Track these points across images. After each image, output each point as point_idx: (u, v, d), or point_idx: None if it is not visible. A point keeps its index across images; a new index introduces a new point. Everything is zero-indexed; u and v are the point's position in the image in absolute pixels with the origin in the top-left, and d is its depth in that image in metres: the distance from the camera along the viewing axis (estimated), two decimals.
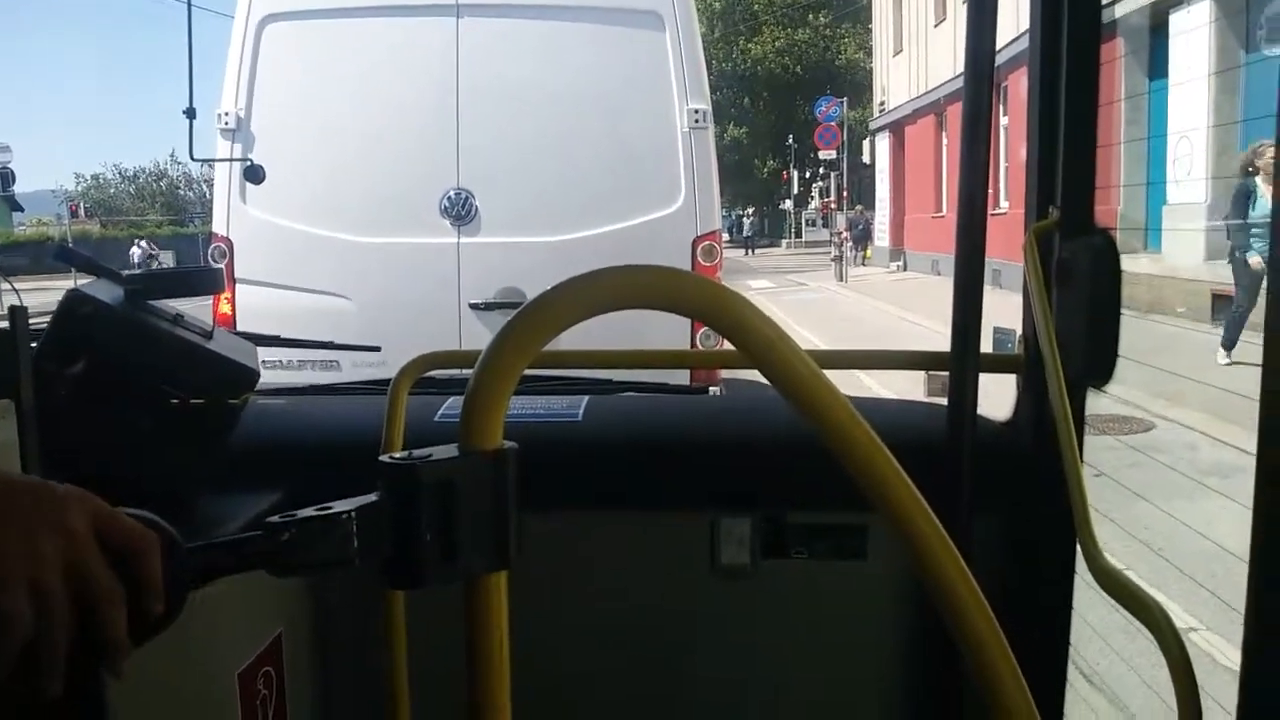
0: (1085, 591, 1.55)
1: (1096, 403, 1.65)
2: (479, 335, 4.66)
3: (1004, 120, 16.97)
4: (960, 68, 1.61)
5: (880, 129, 31.11)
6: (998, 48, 1.60)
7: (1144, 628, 1.11)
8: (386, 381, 1.64)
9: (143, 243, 36.31)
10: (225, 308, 4.78)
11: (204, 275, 1.54)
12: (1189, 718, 1.02)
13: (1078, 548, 1.40)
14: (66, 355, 1.34)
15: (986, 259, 1.64)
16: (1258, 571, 0.90)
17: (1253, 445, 0.91)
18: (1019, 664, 0.62)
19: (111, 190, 59.11)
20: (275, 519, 0.70)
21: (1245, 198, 9.07)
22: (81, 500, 0.74)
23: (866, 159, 34.09)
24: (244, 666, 1.50)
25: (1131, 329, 1.55)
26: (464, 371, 1.77)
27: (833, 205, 34.95)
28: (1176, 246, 12.42)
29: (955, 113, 20.57)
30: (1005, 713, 0.62)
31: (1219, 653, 3.58)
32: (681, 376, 4.40)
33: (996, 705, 0.62)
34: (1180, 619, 3.49)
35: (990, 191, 1.66)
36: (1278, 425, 0.89)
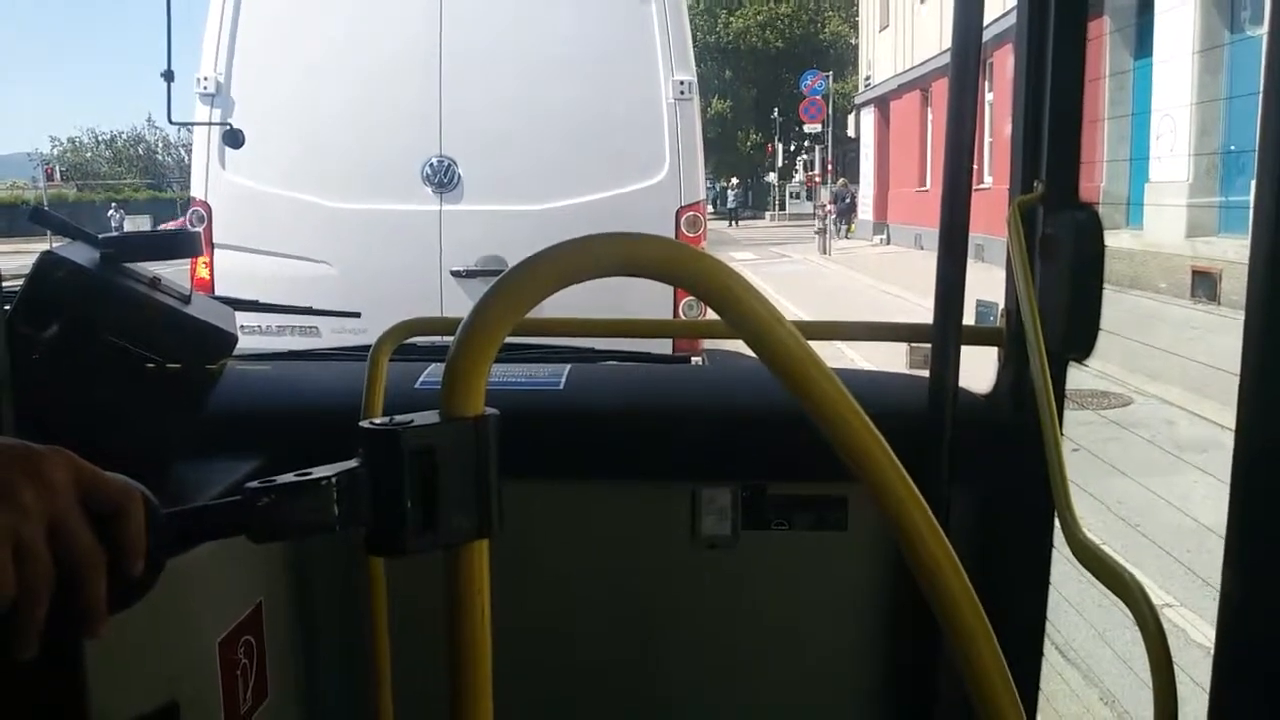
0: (1061, 564, 1.56)
1: (1076, 377, 1.65)
2: (460, 303, 4.64)
3: (989, 96, 16.97)
4: (946, 43, 1.61)
5: (865, 103, 31.05)
6: (984, 24, 1.59)
7: (1120, 602, 1.12)
8: (367, 348, 1.63)
9: (114, 209, 36.01)
10: (203, 272, 4.74)
11: (181, 239, 1.52)
12: (1163, 692, 1.03)
13: (1055, 521, 1.41)
14: (41, 318, 1.32)
15: (969, 234, 1.64)
16: (1234, 548, 0.91)
17: (1230, 420, 0.92)
18: (996, 635, 0.62)
19: (88, 154, 58.52)
20: (254, 484, 0.69)
21: None
22: (64, 458, 0.73)
23: (851, 133, 34.05)
24: (224, 635, 1.49)
25: (1112, 304, 1.55)
26: (445, 338, 1.76)
27: (817, 179, 34.94)
28: (1158, 223, 12.49)
29: (941, 88, 20.57)
30: (982, 684, 0.62)
31: (1193, 628, 3.62)
32: (664, 346, 4.40)
33: (974, 676, 0.62)
34: (1155, 594, 3.54)
35: (974, 167, 1.66)
36: (1257, 401, 0.89)
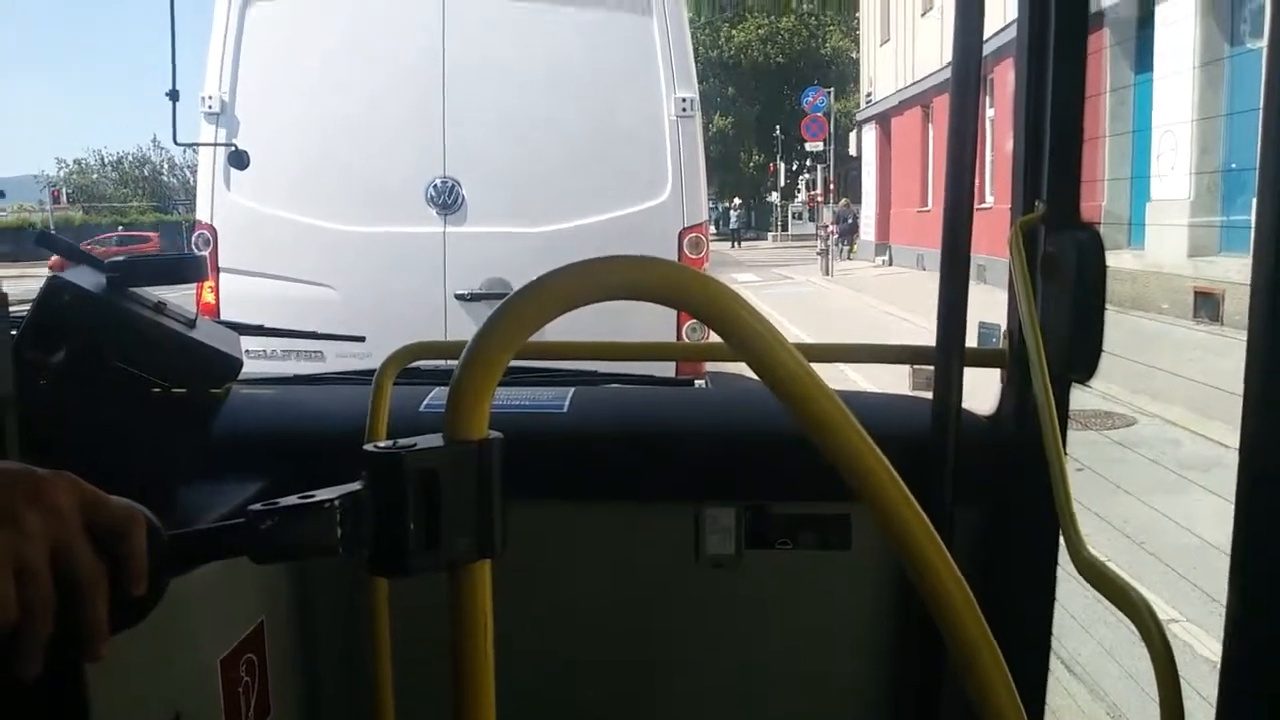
0: (1067, 582, 1.56)
1: (1079, 398, 1.65)
2: (464, 326, 4.64)
3: (990, 113, 17.00)
4: (947, 58, 1.61)
5: (867, 120, 31.13)
6: (985, 38, 1.60)
7: (1126, 619, 1.12)
8: (371, 372, 1.64)
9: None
10: (209, 296, 4.74)
11: (187, 263, 1.53)
12: (1170, 707, 1.03)
13: (1060, 539, 1.41)
14: (47, 343, 1.33)
15: (971, 254, 1.64)
16: (1238, 564, 0.91)
17: (1234, 440, 0.92)
18: (1002, 653, 0.62)
19: (94, 176, 58.78)
20: (258, 507, 0.70)
21: None
22: (68, 482, 0.73)
23: (853, 151, 34.14)
24: (226, 654, 1.49)
25: (1114, 325, 1.55)
26: (449, 362, 1.77)
27: (819, 198, 34.99)
28: (1160, 243, 12.48)
29: (942, 105, 20.62)
30: (988, 702, 0.62)
31: (1199, 643, 3.60)
32: (667, 369, 4.40)
33: (979, 694, 0.62)
34: (1161, 610, 3.52)
35: (976, 186, 1.66)
36: (1260, 421, 0.89)
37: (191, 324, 1.46)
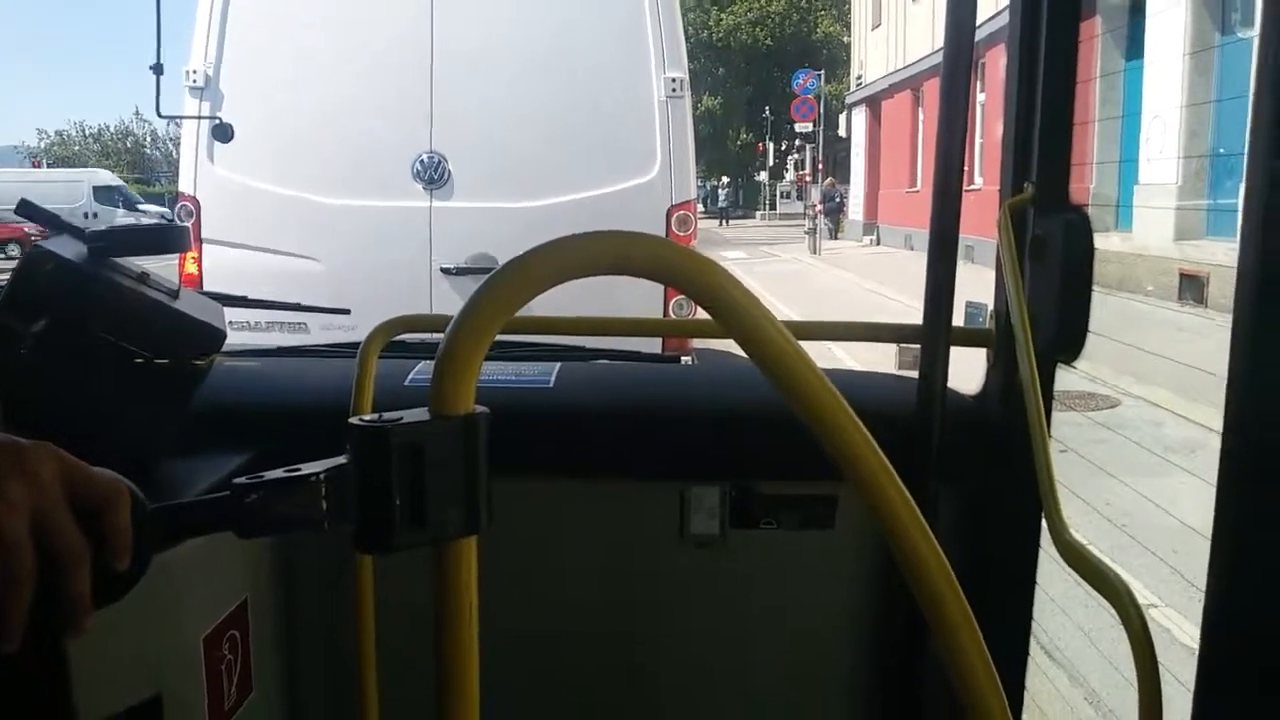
0: (1048, 565, 1.57)
1: (1064, 379, 1.66)
2: (450, 300, 4.63)
3: (980, 97, 17.00)
4: (938, 43, 1.61)
5: (857, 103, 31.09)
6: (976, 24, 1.59)
7: (1106, 602, 1.13)
8: (356, 345, 1.63)
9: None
10: (192, 268, 4.73)
11: (169, 233, 1.51)
12: (1148, 693, 1.03)
13: (1042, 521, 1.42)
14: (28, 313, 1.31)
15: (960, 234, 1.64)
16: (1219, 549, 0.91)
17: (1216, 423, 0.92)
18: (983, 633, 0.62)
19: (75, 147, 58.30)
20: (242, 480, 0.69)
21: None
22: (50, 452, 0.72)
23: (842, 132, 34.11)
24: (209, 631, 1.49)
25: (1100, 305, 1.56)
26: (435, 335, 1.75)
27: (808, 178, 34.97)
28: (1147, 225, 12.53)
29: (932, 88, 20.60)
30: (967, 681, 0.62)
31: (1178, 629, 3.63)
32: (654, 345, 4.40)
33: (959, 674, 0.62)
34: (1141, 595, 3.55)
35: (965, 168, 1.66)
36: (1244, 404, 0.89)
37: (175, 295, 1.44)
